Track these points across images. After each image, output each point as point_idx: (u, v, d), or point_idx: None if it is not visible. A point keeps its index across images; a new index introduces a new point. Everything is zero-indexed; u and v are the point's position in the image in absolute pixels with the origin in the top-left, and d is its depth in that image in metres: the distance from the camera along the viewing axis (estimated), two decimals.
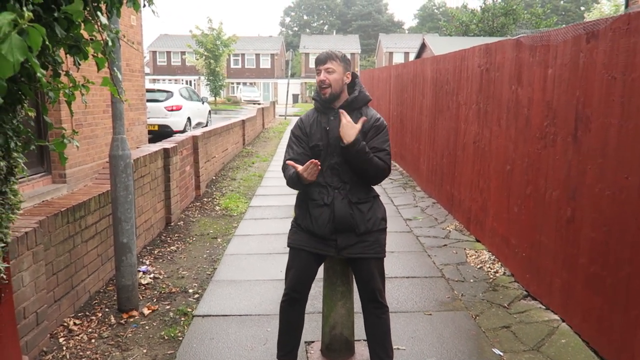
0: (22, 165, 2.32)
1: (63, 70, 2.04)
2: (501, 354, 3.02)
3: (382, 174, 2.57)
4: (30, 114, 2.32)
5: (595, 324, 2.95)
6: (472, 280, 4.15)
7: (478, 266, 4.45)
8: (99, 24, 1.66)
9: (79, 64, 2.01)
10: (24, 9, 1.03)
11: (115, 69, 1.91)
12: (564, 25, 3.59)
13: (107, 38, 1.88)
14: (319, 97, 2.63)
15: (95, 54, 1.86)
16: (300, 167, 2.45)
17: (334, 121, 2.58)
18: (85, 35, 2.01)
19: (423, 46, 26.63)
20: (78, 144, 2.18)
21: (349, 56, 2.66)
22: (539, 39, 3.68)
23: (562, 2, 61.02)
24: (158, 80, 44.48)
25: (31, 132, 2.14)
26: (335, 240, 2.57)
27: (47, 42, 1.52)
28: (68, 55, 2.07)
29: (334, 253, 2.60)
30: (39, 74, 1.19)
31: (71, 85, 2.14)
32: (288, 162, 2.57)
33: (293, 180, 2.57)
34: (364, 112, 2.63)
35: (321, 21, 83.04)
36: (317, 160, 2.41)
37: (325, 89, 2.55)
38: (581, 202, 3.10)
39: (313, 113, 2.70)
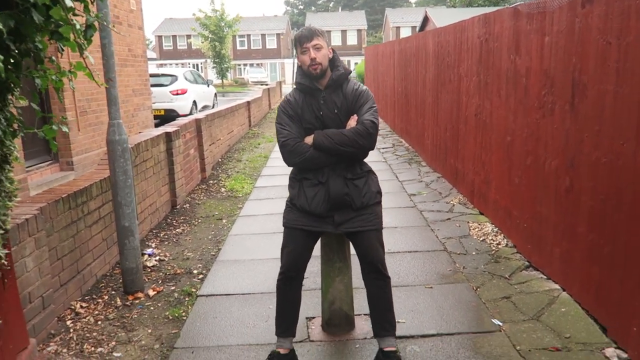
0: (16, 153, 2.36)
1: (47, 57, 2.05)
2: (500, 324, 3.04)
3: (362, 141, 2.53)
4: (22, 102, 2.35)
5: (594, 292, 2.95)
6: (474, 253, 4.16)
7: (481, 239, 4.45)
8: (67, 7, 1.65)
9: (62, 50, 2.01)
10: None
11: (88, 54, 1.90)
12: None
13: (86, 21, 1.88)
14: (305, 77, 2.59)
15: (76, 39, 1.86)
16: None
17: (324, 104, 2.59)
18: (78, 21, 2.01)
19: (425, 19, 26.18)
20: (67, 129, 2.20)
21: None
22: (535, 6, 3.59)
23: None
24: (164, 64, 44.42)
25: (20, 119, 2.16)
26: (332, 216, 2.59)
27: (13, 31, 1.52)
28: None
29: (332, 229, 2.61)
30: None
31: (57, 71, 2.15)
32: (307, 139, 2.57)
33: (314, 157, 2.54)
34: (344, 86, 2.63)
35: None
36: None
37: (316, 65, 2.53)
38: (579, 171, 3.06)
39: (299, 95, 2.65)
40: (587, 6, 2.88)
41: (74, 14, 1.83)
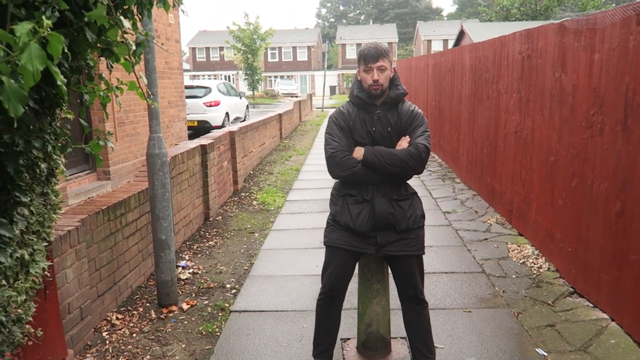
0: (62, 167, 2.40)
1: (97, 74, 2.08)
2: (545, 354, 2.90)
3: (413, 164, 2.47)
4: (69, 116, 2.39)
5: None
6: (514, 276, 4.01)
7: (521, 261, 4.30)
8: (123, 28, 1.66)
9: (112, 67, 2.03)
10: (43, 17, 1.03)
11: (142, 74, 1.92)
12: (612, 6, 3.37)
13: (136, 39, 1.89)
14: (362, 91, 2.56)
15: (125, 58, 1.87)
16: None
17: (378, 121, 2.55)
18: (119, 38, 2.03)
19: (461, 33, 25.91)
20: (113, 145, 2.22)
21: (386, 45, 2.58)
22: (584, 23, 3.47)
23: None
24: (197, 76, 45.35)
25: (69, 134, 2.19)
26: (375, 237, 2.53)
27: (67, 49, 1.53)
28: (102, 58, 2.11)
29: (374, 251, 2.55)
30: (59, 82, 1.19)
31: (105, 87, 2.18)
32: (356, 152, 2.51)
33: (361, 173, 2.49)
34: (400, 106, 2.60)
35: (357, 11, 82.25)
36: None
37: (377, 87, 2.50)
38: (632, 194, 2.92)
39: (353, 109, 2.61)
40: None
41: (124, 34, 1.85)
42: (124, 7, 2.01)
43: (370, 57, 2.48)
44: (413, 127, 2.55)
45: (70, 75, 2.05)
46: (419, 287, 2.57)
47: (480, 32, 20.90)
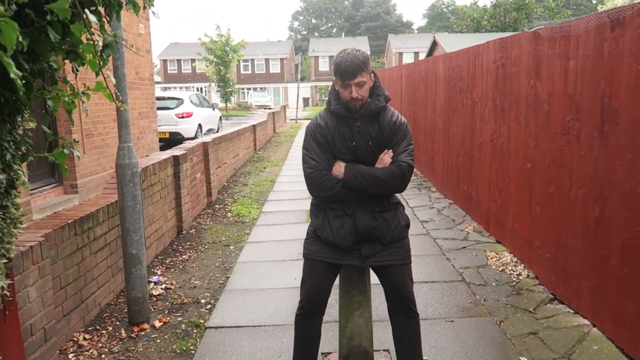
0: (24, 178, 2.24)
1: (61, 77, 1.95)
2: None
3: (395, 185, 2.39)
4: (31, 124, 2.24)
5: (629, 328, 2.77)
6: (494, 284, 3.99)
7: (500, 269, 4.28)
8: (87, 21, 1.55)
9: (77, 70, 1.91)
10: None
11: (110, 73, 1.80)
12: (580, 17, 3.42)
13: (104, 40, 1.78)
14: (340, 103, 2.41)
15: (91, 58, 1.75)
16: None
17: (358, 134, 2.42)
18: (85, 40, 1.91)
19: (434, 44, 26.38)
20: (80, 154, 2.08)
21: (364, 55, 2.43)
22: (558, 30, 3.51)
23: None
24: (169, 88, 44.78)
25: (30, 143, 2.05)
26: (360, 249, 2.43)
27: (27, 49, 1.42)
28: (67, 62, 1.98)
29: (358, 262, 2.45)
30: (12, 75, 1.07)
31: (70, 92, 2.04)
32: (336, 168, 2.40)
33: (341, 194, 2.38)
34: (381, 115, 2.45)
35: (330, 24, 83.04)
36: None
37: (356, 102, 2.36)
38: (610, 200, 2.92)
39: (331, 120, 2.46)
40: (618, 29, 2.79)
41: (91, 34, 1.73)
42: (91, 7, 1.90)
43: (346, 74, 2.30)
44: (396, 140, 2.42)
45: (31, 79, 1.92)
46: (410, 297, 2.46)
47: (452, 42, 21.32)
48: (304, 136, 2.55)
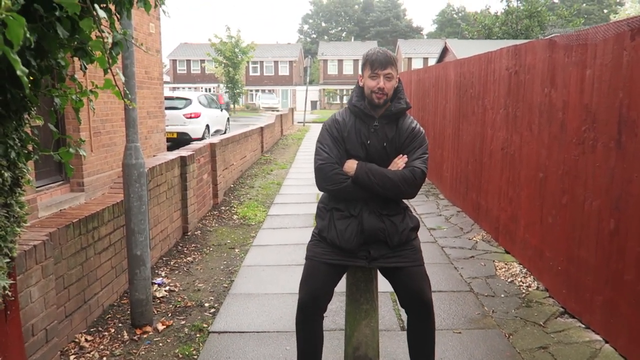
0: (29, 176, 2.20)
1: (69, 75, 1.91)
2: None
3: (406, 189, 2.34)
4: (38, 122, 2.20)
5: None
6: (503, 295, 3.91)
7: (509, 280, 4.20)
8: (97, 17, 1.51)
9: (85, 68, 1.87)
10: None
11: (119, 70, 1.76)
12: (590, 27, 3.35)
13: (113, 38, 1.74)
14: (362, 99, 2.40)
15: (100, 55, 1.71)
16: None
17: (374, 134, 2.40)
18: (94, 37, 1.88)
19: (445, 50, 26.31)
20: (86, 153, 2.04)
21: (394, 54, 2.41)
22: (574, 38, 3.44)
23: (584, 4, 59.84)
24: (178, 88, 44.96)
25: (36, 140, 2.01)
26: (367, 250, 2.37)
27: (35, 45, 1.38)
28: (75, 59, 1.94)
29: (364, 263, 2.39)
30: (19, 72, 1.03)
31: (78, 90, 2.01)
32: (348, 165, 2.36)
33: (349, 190, 2.35)
34: (400, 120, 2.44)
35: (339, 28, 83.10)
36: None
37: (381, 95, 2.34)
38: (627, 213, 2.85)
39: (349, 117, 2.45)
40: (638, 38, 2.72)
41: (100, 31, 1.69)
42: (102, 4, 1.86)
43: (378, 62, 2.31)
44: (412, 147, 2.39)
45: (39, 76, 1.88)
46: (430, 295, 2.37)
47: (463, 48, 21.24)
48: (319, 131, 2.53)
